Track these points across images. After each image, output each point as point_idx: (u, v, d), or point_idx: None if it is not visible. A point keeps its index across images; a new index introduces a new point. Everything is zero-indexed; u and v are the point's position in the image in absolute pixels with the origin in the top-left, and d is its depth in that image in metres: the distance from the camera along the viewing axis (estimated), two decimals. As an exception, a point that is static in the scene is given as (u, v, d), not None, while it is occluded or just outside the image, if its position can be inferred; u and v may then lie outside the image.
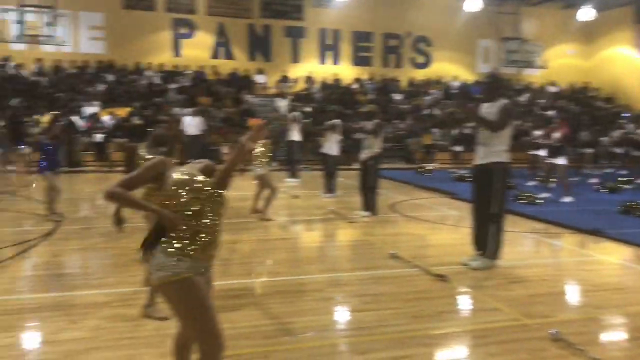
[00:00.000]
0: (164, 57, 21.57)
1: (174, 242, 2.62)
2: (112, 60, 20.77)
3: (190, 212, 2.63)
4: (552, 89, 25.58)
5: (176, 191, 2.64)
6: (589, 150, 15.02)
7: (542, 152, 13.09)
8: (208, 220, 2.66)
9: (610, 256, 6.92)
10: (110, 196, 2.61)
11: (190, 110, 16.91)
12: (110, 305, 4.56)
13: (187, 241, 2.63)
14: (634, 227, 8.22)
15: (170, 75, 20.98)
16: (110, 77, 20.16)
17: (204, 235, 2.66)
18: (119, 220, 4.40)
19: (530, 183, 13.39)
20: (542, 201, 10.39)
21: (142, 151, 4.70)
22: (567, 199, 10.78)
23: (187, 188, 2.64)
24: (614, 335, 4.39)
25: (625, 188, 12.76)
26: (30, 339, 4.01)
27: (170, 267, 2.59)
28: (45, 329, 4.10)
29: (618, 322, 4.59)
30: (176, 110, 17.68)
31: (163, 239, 2.64)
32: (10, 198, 10.39)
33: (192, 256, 2.63)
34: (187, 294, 2.60)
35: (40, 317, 4.35)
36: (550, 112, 21.98)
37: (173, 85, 20.28)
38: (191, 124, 16.28)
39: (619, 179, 13.67)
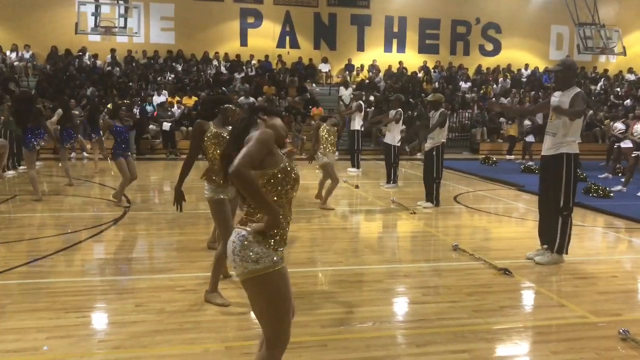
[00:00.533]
0: (230, 47, 22.02)
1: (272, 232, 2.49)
2: (181, 50, 21.40)
3: (287, 199, 2.53)
4: (630, 77, 24.20)
5: (285, 176, 2.49)
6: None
7: (626, 144, 12.41)
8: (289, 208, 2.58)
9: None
10: (237, 176, 2.33)
11: (253, 100, 17.22)
12: (174, 290, 4.74)
13: (282, 230, 2.51)
14: None
15: (237, 64, 21.39)
16: (178, 67, 20.80)
17: (288, 223, 2.57)
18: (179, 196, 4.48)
19: (604, 175, 12.77)
20: (613, 195, 9.89)
21: (213, 127, 4.56)
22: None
23: (292, 174, 2.51)
24: (690, 338, 4.13)
25: None
26: (98, 320, 4.22)
27: (269, 259, 2.46)
28: (112, 311, 4.31)
29: (695, 325, 4.33)
30: (241, 99, 18.02)
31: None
32: (85, 184, 10.97)
33: (283, 245, 2.54)
34: (280, 286, 2.50)
35: (107, 300, 4.58)
36: (627, 102, 20.83)
37: (239, 75, 20.67)
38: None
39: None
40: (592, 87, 23.08)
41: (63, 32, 20.17)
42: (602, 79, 23.82)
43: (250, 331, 3.93)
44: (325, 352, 3.63)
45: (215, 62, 21.30)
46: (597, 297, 4.81)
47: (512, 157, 17.52)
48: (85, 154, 15.24)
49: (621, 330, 3.91)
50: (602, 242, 7.34)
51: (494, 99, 15.52)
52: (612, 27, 22.66)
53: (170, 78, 20.06)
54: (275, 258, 2.48)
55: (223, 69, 21.03)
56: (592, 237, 7.53)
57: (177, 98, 18.60)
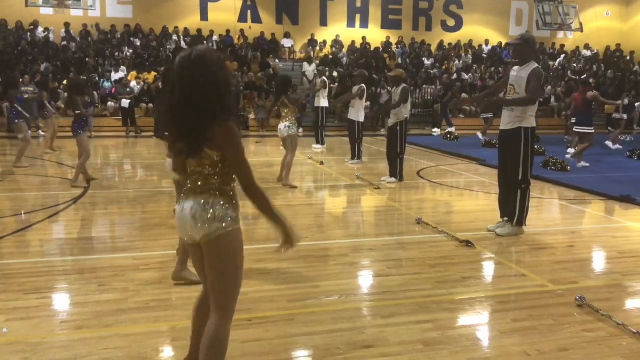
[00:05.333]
0: (190, 21, 21.48)
1: (232, 201, 2.53)
2: (139, 25, 20.79)
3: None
4: (587, 53, 24.78)
5: None
6: (624, 116, 14.85)
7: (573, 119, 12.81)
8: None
9: (639, 223, 6.80)
10: (255, 195, 2.49)
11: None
12: (137, 269, 4.67)
13: (234, 201, 2.56)
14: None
15: (197, 39, 20.91)
16: (137, 42, 20.22)
17: None
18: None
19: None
20: (569, 168, 10.19)
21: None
22: (583, 164, 10.59)
23: None
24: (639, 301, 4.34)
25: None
26: (60, 300, 4.14)
27: (232, 217, 2.50)
28: (74, 291, 4.22)
29: (646, 290, 4.54)
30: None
31: (222, 200, 2.51)
32: (40, 163, 10.64)
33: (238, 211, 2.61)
34: (241, 245, 2.57)
35: (69, 280, 4.48)
36: (583, 77, 21.34)
37: (199, 50, 20.22)
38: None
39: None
40: (551, 63, 23.53)
41: (12, 4, 19.29)
42: (561, 55, 24.30)
43: (216, 307, 3.92)
44: (292, 326, 3.66)
45: (174, 37, 20.79)
46: (555, 266, 4.98)
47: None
48: (40, 132, 14.74)
49: (577, 297, 4.06)
50: (559, 213, 7.57)
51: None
52: (569, 4, 23.07)
53: (128, 53, 19.50)
54: (237, 217, 2.54)
55: (183, 44, 20.54)
56: (550, 208, 7.75)
57: (136, 74, 18.12)
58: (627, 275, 4.80)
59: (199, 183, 2.51)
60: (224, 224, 2.47)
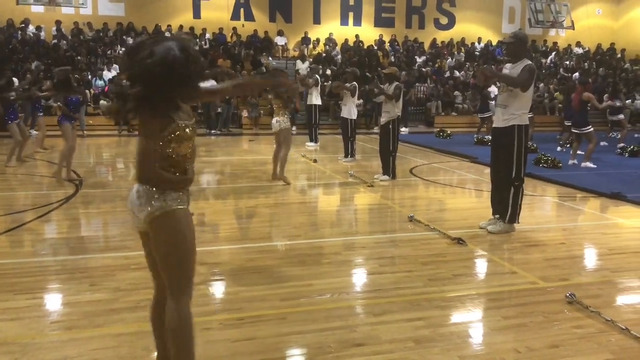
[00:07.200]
0: (183, 19, 21.43)
1: (175, 183, 2.56)
2: (132, 23, 20.70)
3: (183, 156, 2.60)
4: (579, 50, 24.88)
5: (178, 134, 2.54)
6: (620, 117, 14.97)
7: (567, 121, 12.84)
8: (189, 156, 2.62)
9: (630, 220, 6.82)
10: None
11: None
12: (129, 268, 4.65)
13: (178, 183, 2.58)
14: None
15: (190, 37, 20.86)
16: (129, 40, 20.11)
17: (190, 179, 2.66)
18: None
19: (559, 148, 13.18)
20: (561, 165, 10.22)
21: None
22: (589, 164, 10.54)
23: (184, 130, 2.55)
24: (629, 298, 4.36)
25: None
26: (50, 301, 4.11)
27: (174, 197, 2.53)
28: (65, 291, 4.21)
29: (633, 285, 4.56)
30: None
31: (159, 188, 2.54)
32: (32, 162, 10.58)
33: (186, 196, 2.64)
34: (188, 223, 2.58)
35: (60, 280, 4.46)
36: (575, 75, 21.43)
37: (192, 48, 20.17)
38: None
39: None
40: (543, 61, 23.62)
41: (3, 2, 19.19)
42: (553, 53, 24.39)
43: (207, 307, 3.92)
44: (285, 325, 3.66)
45: (167, 35, 20.69)
46: (546, 264, 5.00)
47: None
48: (33, 131, 14.65)
49: (568, 294, 4.09)
50: (550, 210, 7.60)
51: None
52: (561, 2, 23.19)
53: (120, 52, 19.41)
54: (179, 198, 2.56)
55: (176, 43, 20.46)
56: (542, 206, 7.79)
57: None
58: (617, 272, 4.82)
59: None
60: (166, 204, 2.51)
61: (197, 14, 21.72)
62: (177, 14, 21.42)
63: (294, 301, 4.05)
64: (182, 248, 2.56)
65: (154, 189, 2.52)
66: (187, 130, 2.54)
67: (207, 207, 7.20)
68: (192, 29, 21.05)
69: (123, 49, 19.47)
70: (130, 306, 3.90)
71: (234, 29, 21.68)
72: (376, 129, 16.10)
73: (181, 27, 21.11)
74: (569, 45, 25.05)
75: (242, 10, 22.19)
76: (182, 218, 2.56)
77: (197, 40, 20.72)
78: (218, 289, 4.38)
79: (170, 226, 2.53)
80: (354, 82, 11.01)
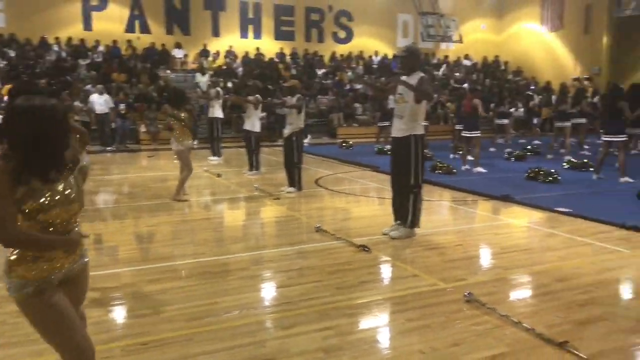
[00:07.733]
0: (73, 31, 20.36)
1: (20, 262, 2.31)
2: (14, 34, 19.36)
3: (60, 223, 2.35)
4: (467, 63, 26.50)
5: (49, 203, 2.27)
6: (505, 121, 16.37)
7: (458, 126, 13.58)
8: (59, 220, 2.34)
9: (519, 220, 7.34)
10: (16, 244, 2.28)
11: (97, 87, 16.38)
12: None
13: (46, 256, 2.34)
14: (539, 192, 8.76)
15: (80, 50, 19.86)
16: (11, 53, 18.81)
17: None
18: None
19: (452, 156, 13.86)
20: (455, 171, 10.81)
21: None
22: (480, 169, 11.24)
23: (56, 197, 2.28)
24: (521, 293, 4.67)
25: (530, 156, 13.49)
26: None
27: (21, 285, 2.31)
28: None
29: (524, 281, 4.89)
30: (87, 87, 16.86)
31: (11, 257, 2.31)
32: None
33: (51, 271, 2.36)
34: (43, 314, 2.36)
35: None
36: (465, 85, 22.77)
37: (84, 61, 19.24)
38: (98, 102, 15.89)
39: (525, 147, 14.51)
40: (435, 73, 24.90)
41: None
42: (444, 65, 25.79)
43: (108, 333, 3.71)
44: (191, 346, 3.54)
45: (56, 48, 19.58)
46: (445, 265, 5.24)
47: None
48: None
49: (466, 293, 4.31)
50: (447, 214, 7.99)
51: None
52: (450, 17, 24.62)
53: (2, 65, 18.08)
54: (31, 282, 2.30)
55: (64, 55, 19.41)
56: (439, 210, 8.17)
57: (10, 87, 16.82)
58: (510, 269, 5.15)
59: None
60: (11, 288, 2.31)
61: (88, 26, 20.72)
62: (65, 25, 20.30)
63: (200, 321, 3.94)
64: (50, 335, 2.41)
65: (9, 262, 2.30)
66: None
67: (103, 228, 6.85)
68: (82, 41, 20.07)
69: (5, 62, 18.19)
70: (16, 340, 3.59)
71: (129, 41, 20.93)
72: (280, 142, 16.16)
73: (70, 39, 20.08)
74: (459, 57, 26.61)
75: (137, 22, 21.47)
76: (37, 308, 2.34)
77: (89, 53, 19.80)
78: (119, 313, 4.17)
79: (28, 315, 2.37)
80: (257, 95, 10.99)
